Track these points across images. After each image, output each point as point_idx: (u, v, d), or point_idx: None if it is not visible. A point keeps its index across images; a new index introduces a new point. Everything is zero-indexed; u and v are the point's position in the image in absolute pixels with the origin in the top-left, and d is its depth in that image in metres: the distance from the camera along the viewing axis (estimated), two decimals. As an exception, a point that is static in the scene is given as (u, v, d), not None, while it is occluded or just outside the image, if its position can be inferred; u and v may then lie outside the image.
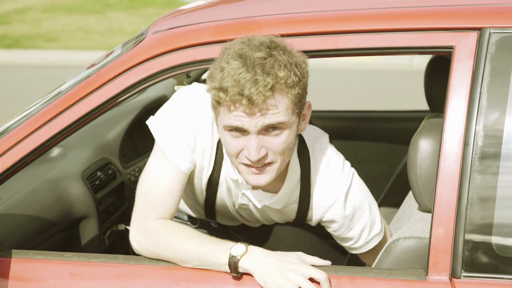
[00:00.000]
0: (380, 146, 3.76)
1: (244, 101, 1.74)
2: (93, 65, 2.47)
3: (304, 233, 3.23)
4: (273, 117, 1.81)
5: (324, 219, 2.22)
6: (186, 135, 2.08)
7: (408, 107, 6.30)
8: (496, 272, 1.79)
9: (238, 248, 1.86)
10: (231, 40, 1.98)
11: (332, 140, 2.33)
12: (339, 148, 2.31)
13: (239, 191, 2.22)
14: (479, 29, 1.87)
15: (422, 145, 2.02)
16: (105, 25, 15.05)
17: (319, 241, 3.24)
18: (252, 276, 1.84)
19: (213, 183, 2.27)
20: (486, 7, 1.99)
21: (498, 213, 1.81)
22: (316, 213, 2.22)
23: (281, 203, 2.21)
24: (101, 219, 3.10)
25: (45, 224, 2.85)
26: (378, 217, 2.22)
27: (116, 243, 2.86)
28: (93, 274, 2.06)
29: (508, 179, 1.85)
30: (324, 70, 10.68)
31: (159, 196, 2.06)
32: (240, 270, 1.83)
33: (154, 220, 2.04)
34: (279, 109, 1.81)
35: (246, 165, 1.90)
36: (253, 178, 1.95)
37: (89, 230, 3.06)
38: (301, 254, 1.92)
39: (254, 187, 2.15)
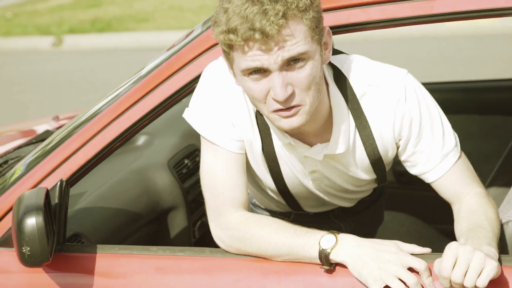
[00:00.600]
0: (492, 119, 3.36)
1: (257, 36, 1.55)
2: (173, 46, 2.35)
3: (408, 218, 3.06)
4: (292, 48, 1.59)
5: (398, 140, 1.94)
6: (222, 116, 1.93)
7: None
8: None
9: (327, 240, 1.69)
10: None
11: None
12: None
13: (300, 157, 2.02)
14: None
15: None
16: (197, 2, 14.24)
17: (425, 226, 3.05)
18: (346, 267, 1.70)
19: (270, 158, 2.05)
20: None
21: None
22: (385, 140, 1.94)
23: (342, 145, 1.93)
24: (189, 210, 2.97)
25: (132, 217, 2.75)
26: (448, 126, 1.92)
27: (206, 234, 2.53)
28: (179, 268, 1.97)
29: None
30: (433, 37, 10.25)
31: (223, 187, 1.91)
32: (333, 262, 1.67)
33: (229, 214, 1.88)
34: (297, 38, 1.61)
35: (275, 111, 1.68)
36: (286, 122, 1.71)
37: (177, 221, 2.94)
38: (398, 242, 1.71)
39: (311, 142, 1.94)
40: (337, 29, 1.93)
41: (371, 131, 1.94)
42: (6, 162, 2.79)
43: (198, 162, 2.76)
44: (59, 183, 1.97)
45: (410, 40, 10.58)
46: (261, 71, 1.63)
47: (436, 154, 1.88)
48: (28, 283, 2.00)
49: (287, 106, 1.66)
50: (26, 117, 7.42)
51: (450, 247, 1.54)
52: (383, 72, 1.90)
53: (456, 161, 1.88)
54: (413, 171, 1.96)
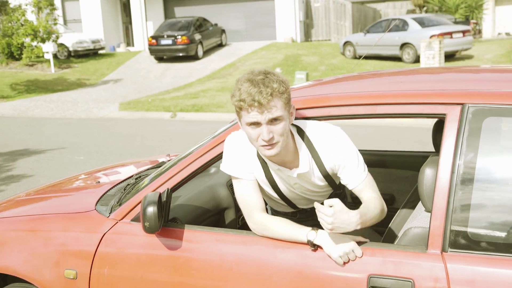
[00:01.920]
0: (405, 172, 3.73)
1: (256, 104, 2.13)
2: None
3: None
4: (274, 113, 2.17)
5: (335, 167, 2.44)
6: (239, 161, 2.43)
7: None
8: (469, 249, 2.07)
9: (311, 234, 2.23)
10: (324, 106, 2.48)
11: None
12: (377, 175, 2.59)
13: (286, 176, 2.49)
14: (461, 104, 2.19)
15: (427, 173, 2.33)
16: None
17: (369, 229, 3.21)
18: (323, 249, 2.20)
19: (270, 180, 2.53)
20: (466, 91, 2.28)
21: (471, 215, 2.10)
22: (329, 165, 2.44)
23: (305, 167, 2.42)
24: (237, 210, 3.47)
25: (205, 211, 3.34)
26: (361, 159, 2.43)
27: (244, 225, 2.95)
28: (228, 240, 2.47)
29: (478, 195, 2.11)
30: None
31: (250, 200, 2.44)
32: (315, 244, 2.22)
33: (256, 216, 2.41)
34: (277, 107, 2.18)
35: (262, 145, 2.24)
36: (267, 151, 2.25)
37: (229, 216, 3.52)
38: (350, 236, 2.21)
39: (289, 167, 2.44)
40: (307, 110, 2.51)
41: (320, 159, 2.43)
42: (140, 177, 3.36)
43: None
44: (166, 190, 2.57)
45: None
46: (256, 124, 2.20)
47: (354, 174, 2.40)
48: (148, 242, 2.56)
49: (269, 143, 2.21)
50: (153, 153, 8.96)
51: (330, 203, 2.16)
52: (326, 131, 2.41)
53: (364, 178, 2.42)
54: (343, 182, 2.48)
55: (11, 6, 18.36)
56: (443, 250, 2.12)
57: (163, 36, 23.97)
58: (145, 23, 28.67)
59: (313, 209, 2.56)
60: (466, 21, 24.81)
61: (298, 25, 28.10)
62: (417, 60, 19.85)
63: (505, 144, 2.25)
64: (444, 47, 18.59)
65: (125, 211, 2.72)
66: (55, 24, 20.17)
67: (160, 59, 24.98)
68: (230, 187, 3.37)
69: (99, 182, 3.58)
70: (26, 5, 19.01)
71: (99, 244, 2.66)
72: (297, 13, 27.88)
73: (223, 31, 27.11)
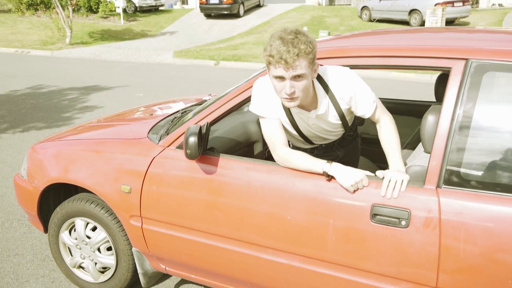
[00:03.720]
0: (406, 119, 3.65)
1: (282, 62, 2.01)
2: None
3: (365, 158, 3.52)
4: (298, 71, 2.04)
5: (350, 103, 2.35)
6: (266, 104, 2.35)
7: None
8: (460, 186, 2.01)
9: (326, 166, 2.17)
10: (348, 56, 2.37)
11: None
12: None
13: (305, 117, 2.41)
14: (465, 59, 2.09)
15: (429, 119, 2.24)
16: None
17: (372, 163, 3.49)
18: (336, 179, 2.16)
19: (291, 120, 2.45)
20: (470, 48, 2.15)
21: (465, 157, 2.01)
22: (343, 101, 2.34)
23: (323, 109, 2.33)
24: (264, 143, 3.31)
25: (237, 143, 3.22)
26: (371, 91, 2.33)
27: (270, 156, 2.79)
28: (255, 169, 2.41)
29: (473, 141, 2.01)
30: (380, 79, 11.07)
31: (274, 136, 2.35)
32: (329, 175, 2.17)
33: (279, 149, 2.33)
34: (302, 66, 2.04)
35: (284, 98, 2.15)
36: (288, 103, 2.17)
37: (257, 148, 3.37)
38: (359, 170, 2.18)
39: (308, 110, 2.36)
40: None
41: (336, 101, 2.33)
42: (185, 111, 3.28)
43: None
44: (206, 123, 2.48)
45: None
46: (281, 78, 2.08)
47: (367, 105, 2.32)
48: (189, 166, 2.53)
49: (290, 97, 2.12)
50: (198, 93, 9.13)
51: (387, 174, 2.13)
52: (338, 71, 2.30)
53: (376, 105, 2.34)
54: (358, 113, 2.38)
55: None
56: (438, 186, 2.04)
57: (212, -3, 23.92)
58: (198, -15, 28.24)
59: (327, 145, 2.70)
60: (466, -8, 23.90)
61: (324, -9, 27.66)
62: (422, 24, 19.34)
63: (501, 97, 2.13)
64: (446, 14, 18.18)
65: (171, 140, 2.70)
66: None
67: (208, 15, 24.93)
68: (259, 124, 3.04)
69: (152, 114, 3.55)
70: None
71: (149, 165, 2.67)
72: None
73: (261, -7, 26.68)
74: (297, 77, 2.09)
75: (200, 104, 3.46)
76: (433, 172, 2.06)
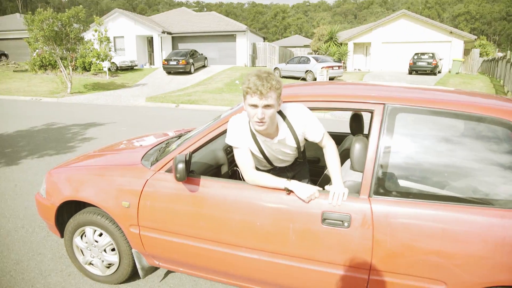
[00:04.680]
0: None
1: (258, 92, 1.85)
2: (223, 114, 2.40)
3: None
4: (269, 101, 1.87)
5: (304, 131, 2.11)
6: (238, 136, 2.09)
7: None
8: (385, 195, 1.91)
9: (287, 183, 1.99)
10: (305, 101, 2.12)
11: None
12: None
13: (269, 143, 2.16)
14: (383, 103, 1.98)
15: (357, 146, 2.08)
16: (224, 97, 15.00)
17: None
18: (294, 193, 1.97)
19: (259, 147, 2.19)
20: (386, 95, 2.03)
21: (387, 175, 1.92)
22: (299, 130, 2.10)
23: (283, 135, 2.09)
24: (228, 165, 2.97)
25: (209, 166, 2.79)
26: (319, 122, 2.10)
27: (232, 176, 2.88)
28: (229, 186, 2.12)
29: (392, 162, 1.93)
30: None
31: (245, 161, 2.09)
32: (289, 189, 1.99)
33: (249, 171, 2.09)
34: (272, 98, 1.88)
35: (256, 122, 1.94)
36: (258, 126, 1.96)
37: (224, 169, 2.94)
38: (312, 186, 2.00)
39: (272, 137, 2.11)
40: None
41: (293, 128, 2.10)
42: (168, 143, 2.95)
43: (231, 150, 2.97)
44: (189, 152, 2.21)
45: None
46: (255, 106, 1.90)
47: (316, 132, 2.10)
48: (176, 186, 2.23)
49: (260, 121, 1.92)
50: (165, 128, 8.68)
51: (331, 188, 1.99)
52: (294, 107, 2.07)
53: (324, 133, 2.12)
54: (309, 139, 2.13)
55: (85, 39, 17.98)
56: (369, 196, 1.97)
57: (171, 60, 23.47)
58: (161, 52, 28.18)
59: (281, 168, 2.44)
60: (339, 61, 25.23)
61: (248, 57, 28.23)
62: (315, 80, 19.78)
63: (409, 132, 2.05)
64: (329, 74, 19.05)
65: (161, 165, 2.44)
66: (110, 50, 19.87)
67: (169, 72, 24.23)
68: (225, 150, 2.98)
69: (141, 145, 3.19)
70: (94, 40, 19.06)
71: (144, 186, 2.40)
72: (248, 50, 28.09)
73: (205, 58, 26.74)
74: (267, 106, 1.94)
75: (176, 137, 3.23)
76: (366, 185, 1.97)
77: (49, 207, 2.75)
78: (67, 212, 2.88)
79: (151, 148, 2.95)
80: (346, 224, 1.94)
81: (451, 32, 27.48)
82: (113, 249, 2.73)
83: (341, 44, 28.68)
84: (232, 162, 3.01)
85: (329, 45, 27.72)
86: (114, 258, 2.73)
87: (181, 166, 2.09)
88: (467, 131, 1.95)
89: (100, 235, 2.72)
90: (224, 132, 2.26)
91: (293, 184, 2.02)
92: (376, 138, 1.98)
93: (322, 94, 2.24)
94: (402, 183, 1.94)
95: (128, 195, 2.39)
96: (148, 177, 2.39)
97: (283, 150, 2.25)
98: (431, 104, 1.98)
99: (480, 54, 30.45)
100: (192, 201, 2.24)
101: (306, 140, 2.23)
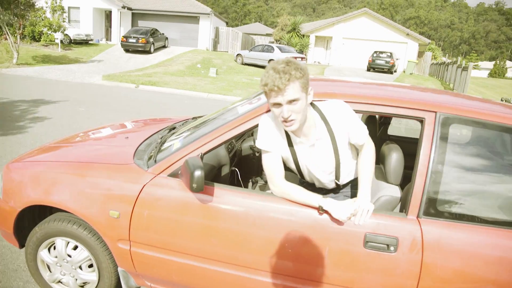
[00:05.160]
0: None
1: (276, 88, 1.59)
2: (250, 101, 2.14)
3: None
4: (292, 95, 1.60)
5: (348, 131, 1.79)
6: (270, 140, 1.80)
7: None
8: (436, 216, 1.72)
9: (322, 201, 1.71)
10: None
11: None
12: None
13: (306, 146, 1.84)
14: (435, 112, 1.78)
15: (394, 156, 1.95)
16: (187, 81, 14.50)
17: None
18: (330, 213, 1.70)
19: (292, 152, 1.88)
20: (438, 102, 1.83)
21: (441, 189, 1.73)
22: (341, 131, 1.79)
23: (320, 134, 1.79)
24: (230, 165, 2.64)
25: (212, 167, 2.37)
26: (364, 126, 1.82)
27: (233, 176, 2.62)
28: (251, 198, 1.83)
29: (445, 179, 1.74)
30: None
31: (274, 169, 1.80)
32: (324, 209, 1.70)
33: (278, 180, 1.79)
34: (294, 90, 1.60)
35: (283, 121, 1.68)
36: (287, 127, 1.69)
37: (225, 170, 2.58)
38: (349, 202, 1.73)
39: (309, 139, 1.81)
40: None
41: (332, 131, 1.79)
42: (162, 137, 2.43)
43: (232, 149, 2.72)
44: (200, 154, 1.86)
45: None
46: (278, 104, 1.63)
47: (361, 133, 1.79)
48: (185, 194, 1.84)
49: (287, 120, 1.64)
50: (125, 107, 8.40)
51: (355, 203, 1.71)
52: (332, 104, 1.78)
53: (367, 137, 1.82)
54: (352, 141, 1.81)
55: (36, 6, 16.57)
56: (418, 216, 1.75)
57: (130, 37, 22.22)
58: (119, 28, 26.64)
59: (313, 184, 2.08)
60: (301, 52, 25.27)
61: (211, 41, 27.59)
62: None
63: (462, 144, 1.86)
64: None
65: (162, 168, 1.98)
66: (63, 21, 18.82)
67: (127, 50, 22.88)
68: (226, 148, 2.64)
69: (127, 137, 2.63)
70: (46, 8, 17.89)
71: (140, 192, 1.94)
72: (211, 34, 27.43)
73: (166, 38, 25.72)
74: (292, 101, 1.64)
75: (167, 129, 2.72)
76: (415, 205, 1.75)
77: (7, 211, 2.20)
78: (29, 218, 2.35)
79: (142, 143, 2.45)
80: (392, 248, 1.71)
81: (407, 34, 28.42)
82: (90, 266, 2.26)
83: (303, 36, 28.71)
84: (233, 161, 2.68)
85: (292, 36, 27.59)
86: (91, 276, 2.25)
87: (198, 173, 1.69)
88: None
89: (75, 248, 2.23)
90: (245, 132, 1.94)
91: (329, 203, 1.73)
92: (427, 151, 1.75)
93: (364, 96, 1.91)
94: (455, 203, 1.75)
95: (119, 203, 1.93)
96: (145, 181, 1.94)
97: (319, 160, 1.88)
98: (488, 117, 1.78)
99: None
100: (204, 214, 1.85)
101: (350, 145, 1.88)
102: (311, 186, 2.03)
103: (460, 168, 1.79)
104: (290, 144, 1.87)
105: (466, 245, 1.68)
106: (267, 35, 36.23)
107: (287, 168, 1.97)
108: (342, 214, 1.70)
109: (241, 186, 2.70)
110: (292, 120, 1.67)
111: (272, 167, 1.82)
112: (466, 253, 1.67)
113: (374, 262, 1.72)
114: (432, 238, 1.69)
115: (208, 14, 26.76)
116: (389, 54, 23.78)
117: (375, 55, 23.80)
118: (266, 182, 2.92)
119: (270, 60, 20.50)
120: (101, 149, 2.40)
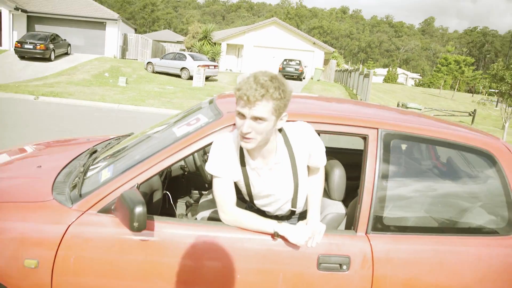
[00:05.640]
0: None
1: (245, 98, 1.47)
2: (176, 121, 2.08)
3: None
4: (259, 113, 1.47)
5: (310, 153, 1.72)
6: (222, 164, 1.65)
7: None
8: (384, 230, 1.76)
9: (277, 226, 1.64)
10: None
11: None
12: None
13: (262, 171, 1.70)
14: (377, 128, 1.81)
15: (336, 173, 1.97)
16: (95, 91, 13.80)
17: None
18: (285, 238, 1.64)
19: (245, 176, 1.74)
20: (379, 119, 1.86)
21: (386, 204, 1.78)
22: (302, 155, 1.70)
23: (280, 159, 1.68)
24: (162, 190, 2.43)
25: (144, 194, 2.11)
26: (324, 148, 1.75)
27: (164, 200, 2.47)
28: (198, 230, 1.69)
29: (390, 194, 1.79)
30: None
31: (226, 196, 1.67)
32: (279, 235, 1.63)
33: (228, 208, 1.67)
34: (265, 109, 1.48)
35: (241, 135, 1.53)
36: (242, 143, 1.55)
37: (157, 196, 2.33)
38: (302, 226, 1.68)
39: (266, 163, 1.69)
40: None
41: (294, 154, 1.69)
42: (85, 164, 2.12)
43: (163, 174, 2.53)
44: (136, 185, 1.66)
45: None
46: (242, 115, 1.50)
47: (322, 157, 1.72)
48: (120, 231, 1.62)
49: (245, 137, 1.51)
50: (23, 124, 7.71)
51: (308, 226, 1.67)
52: (297, 126, 1.70)
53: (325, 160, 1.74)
54: (311, 164, 1.75)
55: None
56: (366, 232, 1.78)
57: (26, 42, 20.04)
58: (11, 31, 23.93)
59: (262, 211, 1.93)
60: (213, 60, 25.32)
61: (119, 48, 26.26)
62: (190, 78, 19.69)
63: (404, 159, 1.97)
64: (205, 72, 19.06)
65: (90, 203, 1.72)
66: None
67: (22, 57, 20.63)
68: (160, 177, 2.42)
69: (40, 166, 2.23)
70: None
71: (64, 234, 1.64)
72: (119, 40, 26.12)
73: (69, 44, 23.76)
74: (257, 119, 1.51)
75: (87, 154, 2.36)
76: (363, 222, 1.78)
77: None
78: None
79: (60, 172, 2.10)
80: (344, 267, 1.71)
81: (314, 43, 30.14)
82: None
83: (215, 43, 28.78)
84: (164, 184, 2.47)
85: (203, 44, 27.51)
86: None
87: (140, 210, 1.48)
88: (459, 160, 1.98)
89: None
90: (186, 157, 1.77)
91: (284, 228, 1.65)
92: (372, 167, 1.79)
93: (308, 114, 1.87)
94: (399, 216, 1.83)
95: (36, 249, 1.62)
96: (70, 220, 1.66)
97: (278, 187, 1.76)
98: (425, 132, 1.89)
99: (334, 65, 33.93)
100: (145, 253, 1.65)
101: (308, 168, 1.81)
102: (260, 213, 1.90)
103: (402, 182, 1.87)
104: (243, 166, 1.73)
105: (411, 255, 1.75)
106: (178, 42, 35.95)
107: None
108: (299, 238, 1.64)
109: (174, 210, 2.57)
110: (250, 138, 1.55)
111: (224, 195, 1.69)
112: (412, 262, 1.74)
113: (328, 283, 1.70)
114: (381, 252, 1.73)
115: (116, 20, 25.43)
116: (298, 61, 25.04)
117: (285, 62, 24.92)
118: (195, 201, 2.81)
119: (183, 68, 20.28)
120: (8, 183, 1.99)
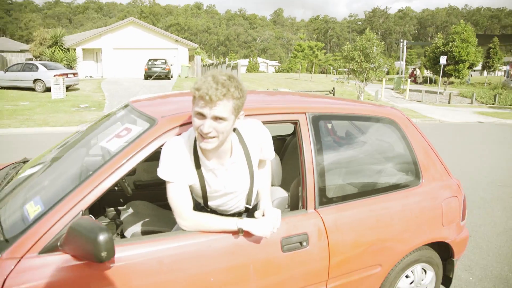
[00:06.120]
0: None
1: (207, 98, 1.46)
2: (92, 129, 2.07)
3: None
4: (221, 112, 1.48)
5: (262, 147, 1.76)
6: (175, 169, 1.60)
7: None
8: (329, 203, 1.92)
9: (240, 222, 1.66)
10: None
11: None
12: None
13: (219, 171, 1.69)
14: (304, 113, 1.94)
15: (273, 161, 2.06)
16: (29, 115, 12.26)
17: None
18: (250, 232, 1.66)
19: (200, 178, 1.70)
20: (305, 105, 2.01)
21: (327, 179, 1.93)
22: (255, 150, 1.73)
23: (235, 158, 1.69)
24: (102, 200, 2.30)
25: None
26: (272, 143, 1.80)
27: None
28: (164, 242, 1.63)
29: (328, 169, 1.95)
30: None
31: (182, 201, 1.62)
32: (244, 230, 1.65)
33: (186, 213, 1.63)
34: (226, 108, 1.49)
35: (200, 136, 1.53)
36: (203, 144, 1.54)
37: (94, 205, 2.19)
38: (265, 217, 1.72)
39: (223, 163, 1.68)
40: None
41: (248, 151, 1.71)
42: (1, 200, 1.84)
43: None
44: (81, 212, 1.49)
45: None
46: (202, 115, 1.48)
47: (271, 150, 1.78)
48: (75, 266, 1.46)
49: (206, 137, 1.50)
50: None
51: (266, 214, 1.71)
52: (249, 124, 1.72)
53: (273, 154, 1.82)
54: (263, 157, 1.79)
55: None
56: (315, 208, 1.95)
57: None
58: None
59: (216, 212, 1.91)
60: (71, 67, 23.33)
61: None
62: (47, 90, 17.76)
63: (330, 136, 2.21)
64: (65, 82, 17.48)
65: (27, 246, 1.47)
66: None
67: None
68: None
69: None
70: None
71: (1, 288, 1.39)
72: None
73: None
74: (217, 119, 1.50)
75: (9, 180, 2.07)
76: (310, 199, 1.93)
77: None
78: None
79: None
80: (304, 243, 1.85)
81: (176, 40, 29.91)
82: None
83: (68, 49, 26.41)
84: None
85: (54, 51, 25.01)
86: None
87: (105, 237, 1.34)
88: (367, 130, 2.30)
89: None
90: (133, 168, 1.66)
91: (247, 222, 1.67)
92: (308, 147, 1.95)
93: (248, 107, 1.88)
94: (338, 188, 2.05)
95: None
96: (6, 272, 1.40)
97: (235, 185, 1.75)
98: (343, 111, 2.17)
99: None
100: (109, 281, 1.50)
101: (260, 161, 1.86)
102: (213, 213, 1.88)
103: (333, 156, 2.07)
104: (198, 168, 1.69)
105: (354, 219, 1.99)
106: (22, 51, 31.98)
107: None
108: (265, 230, 1.68)
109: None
110: (212, 137, 1.53)
111: (180, 200, 1.63)
112: (355, 225, 1.99)
113: (293, 261, 1.81)
114: (331, 223, 1.91)
115: None
116: (164, 61, 24.62)
117: (150, 63, 24.27)
118: (111, 219, 2.66)
119: (36, 80, 18.23)
120: None
